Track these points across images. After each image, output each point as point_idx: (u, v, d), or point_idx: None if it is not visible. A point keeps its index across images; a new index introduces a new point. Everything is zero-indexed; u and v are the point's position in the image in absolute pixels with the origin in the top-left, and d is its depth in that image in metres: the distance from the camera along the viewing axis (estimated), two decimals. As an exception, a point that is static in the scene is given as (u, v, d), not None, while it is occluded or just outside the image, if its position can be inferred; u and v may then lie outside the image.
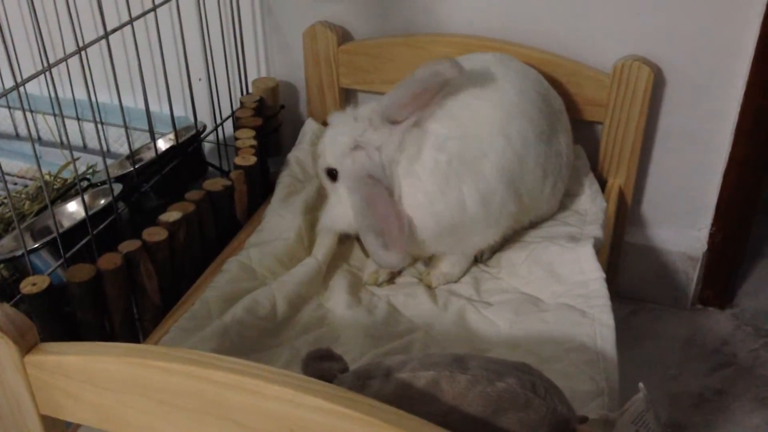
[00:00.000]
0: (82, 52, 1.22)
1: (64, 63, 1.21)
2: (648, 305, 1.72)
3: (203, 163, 1.63)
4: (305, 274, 1.28)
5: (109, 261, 1.19)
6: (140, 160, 1.66)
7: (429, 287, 1.33)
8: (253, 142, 1.51)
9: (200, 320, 1.20)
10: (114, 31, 1.27)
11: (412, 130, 1.23)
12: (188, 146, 1.56)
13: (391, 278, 1.36)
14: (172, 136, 1.66)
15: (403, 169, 1.23)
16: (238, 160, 1.46)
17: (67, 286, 1.17)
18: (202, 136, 1.60)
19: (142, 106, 1.44)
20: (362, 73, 1.62)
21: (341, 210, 1.29)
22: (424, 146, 1.23)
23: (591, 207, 1.44)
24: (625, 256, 1.68)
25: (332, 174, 1.30)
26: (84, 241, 1.29)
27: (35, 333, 0.85)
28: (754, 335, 1.65)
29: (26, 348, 0.83)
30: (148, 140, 1.66)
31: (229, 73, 1.68)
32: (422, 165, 1.23)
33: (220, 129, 1.69)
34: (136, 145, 1.80)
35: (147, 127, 1.61)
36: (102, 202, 1.44)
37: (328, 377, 0.91)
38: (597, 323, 1.16)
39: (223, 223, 1.42)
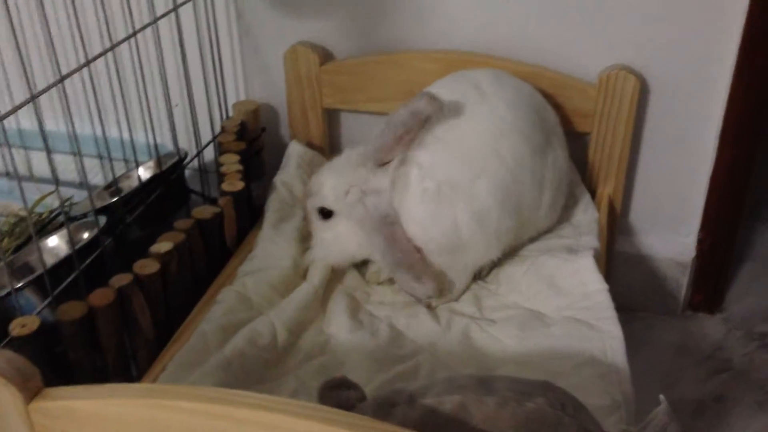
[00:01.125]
0: (63, 83, 1.18)
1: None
2: (639, 314, 1.72)
3: (185, 191, 1.58)
4: (303, 300, 1.25)
5: (101, 297, 1.14)
6: (119, 190, 1.61)
7: (429, 307, 1.31)
8: (239, 167, 1.48)
9: (198, 354, 1.16)
10: (92, 60, 1.23)
11: (400, 167, 1.25)
12: (171, 174, 1.52)
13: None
14: (152, 164, 1.62)
15: (397, 204, 1.25)
16: (226, 186, 1.43)
17: (59, 325, 1.12)
18: (184, 162, 1.56)
19: (114, 134, 1.40)
20: (346, 93, 1.60)
21: (338, 247, 1.32)
22: (411, 179, 1.25)
23: (584, 218, 1.44)
24: (614, 266, 1.68)
25: (326, 213, 1.32)
26: (71, 278, 1.23)
27: (39, 378, 0.80)
28: (746, 339, 1.66)
29: (31, 395, 0.79)
30: (124, 170, 1.62)
31: (209, 97, 1.64)
32: (411, 197, 1.25)
33: (192, 155, 1.65)
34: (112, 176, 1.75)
35: (121, 157, 1.58)
36: (85, 235, 1.39)
37: (346, 407, 0.88)
38: (606, 336, 1.15)
39: (214, 252, 1.38)
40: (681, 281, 1.68)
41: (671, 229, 1.65)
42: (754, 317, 1.71)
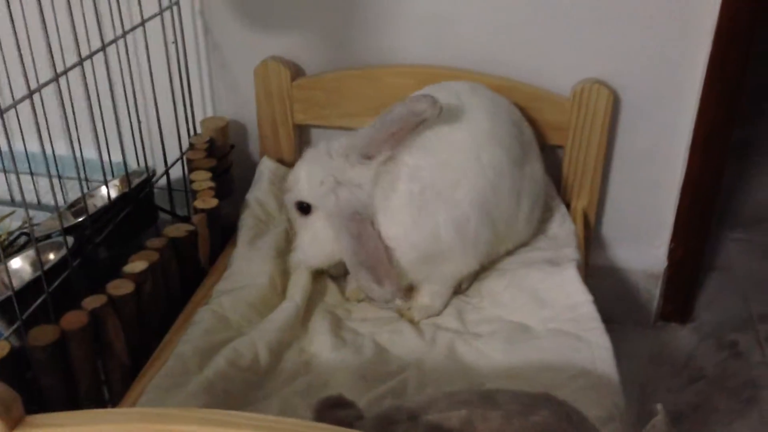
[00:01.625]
0: (32, 100, 1.13)
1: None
2: (613, 326, 1.68)
3: (154, 210, 1.53)
4: (285, 320, 1.22)
5: (73, 320, 1.09)
6: (84, 210, 1.55)
7: (411, 322, 1.28)
8: (211, 184, 1.44)
9: (177, 377, 1.11)
10: (61, 74, 1.19)
11: (385, 164, 1.22)
12: (139, 192, 1.47)
13: None
14: (117, 182, 1.57)
15: (378, 202, 1.22)
16: (198, 203, 1.39)
17: (30, 350, 1.06)
18: (153, 180, 1.51)
19: (70, 153, 1.35)
20: (318, 109, 1.58)
21: (317, 246, 1.28)
22: (398, 179, 1.23)
23: (560, 231, 1.44)
24: (587, 278, 1.68)
25: (304, 208, 1.28)
26: (39, 301, 1.18)
27: (20, 405, 0.75)
28: (718, 347, 1.68)
29: (13, 423, 0.74)
30: (79, 190, 1.55)
31: (177, 114, 1.60)
32: (397, 197, 1.22)
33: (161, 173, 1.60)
34: (71, 196, 1.70)
35: (80, 176, 1.52)
36: (51, 257, 1.34)
37: (344, 426, 0.85)
38: (594, 347, 1.15)
39: (187, 271, 1.34)
40: (653, 292, 1.69)
41: (643, 241, 1.66)
42: (724, 326, 1.73)
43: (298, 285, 1.29)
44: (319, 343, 1.22)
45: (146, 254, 1.24)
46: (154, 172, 1.54)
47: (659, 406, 0.92)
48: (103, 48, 1.30)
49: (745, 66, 1.45)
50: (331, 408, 0.87)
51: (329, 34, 1.58)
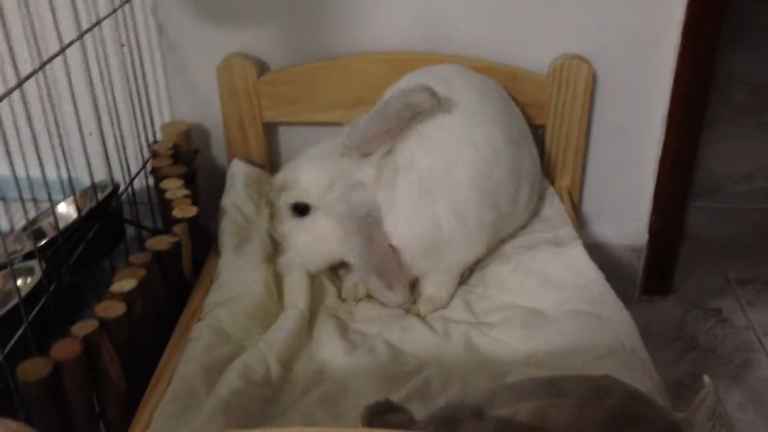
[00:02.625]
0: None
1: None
2: None
3: (122, 225, 1.43)
4: (292, 328, 1.14)
5: (66, 349, 0.99)
6: (40, 231, 1.43)
7: (418, 316, 1.23)
8: (186, 192, 1.35)
9: (185, 400, 1.03)
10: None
11: (384, 159, 1.18)
12: (107, 207, 1.36)
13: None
14: (74, 199, 1.45)
15: (383, 199, 1.17)
16: (177, 212, 1.29)
17: (22, 386, 0.95)
18: (120, 192, 1.41)
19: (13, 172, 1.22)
20: (287, 105, 1.50)
21: (317, 248, 1.22)
22: (397, 171, 1.18)
23: (551, 211, 1.41)
24: (572, 258, 1.66)
25: (301, 209, 1.22)
26: (20, 332, 1.07)
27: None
28: (704, 316, 1.69)
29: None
30: (20, 210, 1.43)
31: (137, 121, 1.49)
32: (397, 191, 1.18)
33: (126, 185, 1.49)
34: (18, 217, 1.57)
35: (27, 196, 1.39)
36: (19, 283, 1.22)
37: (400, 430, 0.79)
38: (617, 324, 1.11)
39: (173, 286, 1.24)
40: (636, 266, 1.69)
41: (623, 216, 1.65)
42: (705, 294, 1.75)
43: (299, 290, 1.21)
44: (329, 348, 1.15)
45: (132, 271, 1.14)
46: (118, 185, 1.43)
47: (706, 378, 0.90)
48: (53, 58, 1.18)
49: (717, 37, 1.46)
50: (381, 414, 0.81)
51: (293, 25, 1.50)
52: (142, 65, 1.50)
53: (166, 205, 1.35)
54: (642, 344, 1.08)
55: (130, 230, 1.50)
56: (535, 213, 1.41)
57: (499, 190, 1.24)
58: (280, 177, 1.26)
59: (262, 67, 1.51)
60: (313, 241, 1.22)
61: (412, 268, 1.21)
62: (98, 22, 1.34)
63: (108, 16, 1.38)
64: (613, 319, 1.12)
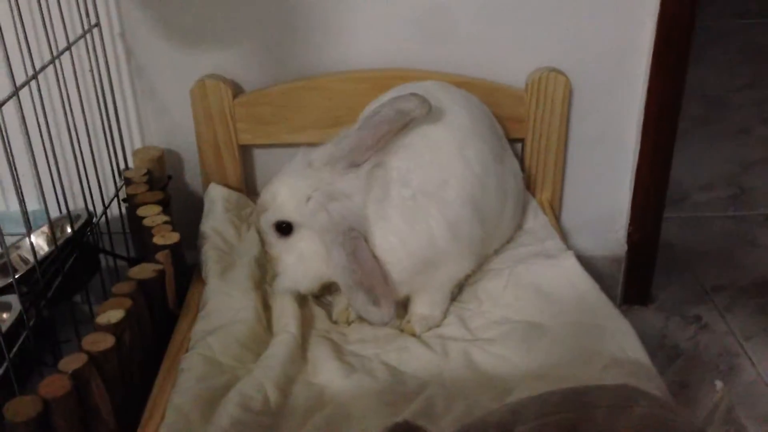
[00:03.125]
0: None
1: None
2: None
3: (97, 256, 1.37)
4: (287, 353, 1.11)
5: (54, 386, 0.94)
6: (10, 266, 1.37)
7: (413, 335, 1.20)
8: (166, 218, 1.30)
9: (179, 430, 0.98)
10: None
11: (374, 171, 1.14)
12: (83, 237, 1.31)
13: None
14: (44, 230, 1.40)
15: (373, 213, 1.13)
16: (158, 240, 1.25)
17: (9, 428, 0.90)
18: (95, 221, 1.36)
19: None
20: (264, 126, 1.47)
21: (304, 268, 1.18)
22: (390, 184, 1.15)
23: (535, 224, 1.41)
24: (552, 272, 1.66)
25: (284, 228, 1.17)
26: (2, 370, 1.01)
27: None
28: (685, 324, 1.70)
29: None
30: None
31: (109, 148, 1.45)
32: (390, 204, 1.14)
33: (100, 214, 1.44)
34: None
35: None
36: (4, 316, 1.16)
37: (423, 454, 0.76)
38: (617, 333, 1.11)
39: (158, 316, 1.19)
40: (617, 277, 1.70)
41: (602, 227, 1.66)
42: (683, 302, 1.76)
43: (288, 314, 1.18)
44: (326, 372, 1.11)
45: (117, 302, 1.09)
46: (92, 214, 1.38)
47: (719, 383, 0.89)
48: (22, 85, 1.14)
49: (688, 46, 1.48)
50: (401, 437, 0.78)
51: (267, 46, 1.47)
52: (112, 90, 1.45)
53: (143, 233, 1.30)
54: (644, 353, 1.08)
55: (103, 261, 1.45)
56: (520, 227, 1.40)
57: (487, 206, 1.23)
58: (260, 198, 1.21)
59: (236, 89, 1.47)
60: (298, 261, 1.17)
61: (403, 285, 1.18)
62: (67, 48, 1.30)
63: (77, 40, 1.33)
64: (612, 328, 1.12)
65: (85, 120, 1.39)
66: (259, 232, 1.22)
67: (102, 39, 1.41)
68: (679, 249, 1.95)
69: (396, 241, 1.14)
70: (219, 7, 1.44)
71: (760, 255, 1.92)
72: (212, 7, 1.44)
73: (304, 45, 1.47)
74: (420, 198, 1.15)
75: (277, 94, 1.45)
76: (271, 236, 1.19)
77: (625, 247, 1.67)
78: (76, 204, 1.44)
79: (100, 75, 1.42)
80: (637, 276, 1.72)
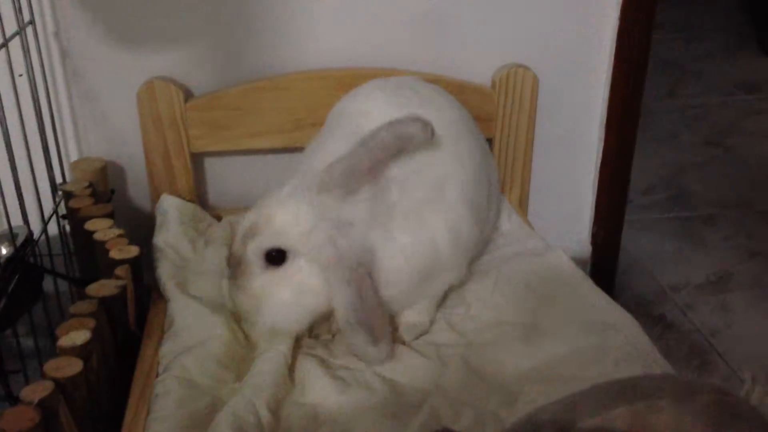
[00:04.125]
0: None
1: None
2: None
3: (40, 276, 1.23)
4: (278, 372, 1.00)
5: (21, 420, 0.80)
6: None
7: (402, 344, 1.12)
8: (120, 231, 1.18)
9: (167, 465, 0.86)
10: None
11: (375, 196, 1.04)
12: (23, 257, 1.17)
13: None
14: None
15: (380, 238, 1.03)
16: (115, 254, 1.12)
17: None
18: (36, 239, 1.21)
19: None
20: (220, 131, 1.36)
21: (301, 304, 1.04)
22: (393, 201, 1.05)
23: (511, 225, 1.35)
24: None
25: (275, 257, 1.02)
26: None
27: None
28: (651, 324, 1.68)
29: None
30: None
31: (49, 158, 1.31)
32: (395, 222, 1.04)
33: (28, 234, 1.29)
34: None
35: None
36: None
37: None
38: (622, 327, 1.06)
39: (121, 337, 1.07)
40: (582, 279, 1.66)
41: (566, 228, 1.63)
42: (645, 302, 1.75)
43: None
44: (318, 390, 1.01)
45: (79, 322, 0.96)
46: (31, 232, 1.24)
47: (748, 372, 0.85)
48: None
49: (648, 41, 1.47)
50: (443, 444, 0.70)
51: (219, 47, 1.38)
52: (48, 96, 1.31)
53: (93, 249, 1.17)
54: (653, 346, 1.03)
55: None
56: (496, 228, 1.34)
57: (480, 205, 1.17)
58: (247, 221, 1.05)
59: (186, 93, 1.36)
60: (296, 296, 1.03)
61: (402, 301, 1.10)
62: (2, 46, 1.16)
63: (11, 38, 1.20)
64: (616, 324, 1.07)
65: (24, 128, 1.25)
66: (233, 260, 1.06)
67: (37, 38, 1.28)
68: (632, 250, 1.94)
69: (402, 260, 1.05)
70: (165, 4, 1.34)
71: (711, 253, 1.95)
72: (157, 4, 1.33)
73: (258, 44, 1.38)
74: (421, 207, 1.07)
75: (234, 96, 1.35)
76: (256, 266, 1.04)
77: (590, 248, 1.64)
78: (5, 222, 1.29)
79: (34, 78, 1.28)
80: (601, 277, 1.69)
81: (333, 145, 1.08)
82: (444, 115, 1.15)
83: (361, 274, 1.01)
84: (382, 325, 1.03)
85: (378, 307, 1.02)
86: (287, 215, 1.01)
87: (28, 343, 1.25)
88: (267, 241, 1.02)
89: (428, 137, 1.02)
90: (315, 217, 1.01)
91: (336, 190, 1.01)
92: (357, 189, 1.01)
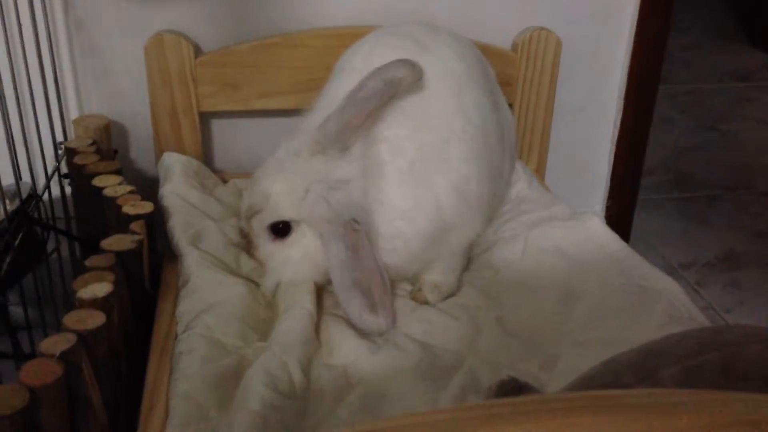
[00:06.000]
0: None
1: None
2: None
3: (45, 235, 1.16)
4: (306, 330, 0.95)
5: (42, 372, 0.74)
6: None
7: (426, 304, 1.07)
8: (131, 188, 1.11)
9: (196, 424, 0.81)
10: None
11: (368, 147, 0.99)
12: (27, 213, 1.10)
13: None
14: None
15: (374, 198, 0.99)
16: (128, 209, 1.05)
17: (-10, 426, 0.70)
18: (41, 195, 1.14)
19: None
20: (230, 90, 1.30)
21: (308, 264, 1.02)
22: (384, 160, 1.00)
23: (531, 192, 1.30)
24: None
25: (281, 230, 1.02)
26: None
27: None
28: (662, 299, 1.65)
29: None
30: None
31: (51, 114, 1.23)
32: (389, 183, 1.00)
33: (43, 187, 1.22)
34: None
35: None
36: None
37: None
38: (664, 291, 1.02)
39: (138, 294, 1.00)
40: (594, 254, 1.63)
41: (580, 200, 1.59)
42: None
43: (302, 289, 1.01)
44: (347, 350, 0.95)
45: (97, 275, 0.89)
46: (34, 188, 1.16)
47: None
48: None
49: (671, 5, 1.44)
50: (511, 394, 0.65)
51: (227, 3, 1.31)
52: (51, 49, 1.24)
53: (103, 206, 1.11)
54: (698, 311, 1.00)
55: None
56: (515, 194, 1.30)
57: (491, 160, 1.11)
58: (246, 201, 1.04)
59: (195, 49, 1.30)
60: (304, 254, 1.01)
61: (412, 264, 1.05)
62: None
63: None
64: (657, 287, 1.03)
65: (14, 84, 1.18)
66: (243, 236, 1.07)
67: (39, -14, 1.21)
68: (638, 229, 1.91)
69: (402, 224, 1.00)
70: (175, -46, 1.27)
71: (716, 232, 1.93)
72: (167, -47, 1.27)
73: (272, 0, 1.32)
74: (419, 166, 1.01)
75: (246, 52, 1.29)
76: (264, 240, 1.03)
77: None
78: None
79: (36, 29, 1.21)
80: (613, 253, 1.66)
81: (331, 102, 1.02)
82: (446, 67, 1.09)
83: (357, 230, 0.96)
84: (382, 292, 0.97)
85: (376, 271, 0.97)
86: (281, 186, 1.00)
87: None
88: (268, 217, 1.02)
89: (417, 78, 0.99)
90: (305, 182, 0.98)
91: (330, 150, 0.97)
92: (351, 144, 0.98)
